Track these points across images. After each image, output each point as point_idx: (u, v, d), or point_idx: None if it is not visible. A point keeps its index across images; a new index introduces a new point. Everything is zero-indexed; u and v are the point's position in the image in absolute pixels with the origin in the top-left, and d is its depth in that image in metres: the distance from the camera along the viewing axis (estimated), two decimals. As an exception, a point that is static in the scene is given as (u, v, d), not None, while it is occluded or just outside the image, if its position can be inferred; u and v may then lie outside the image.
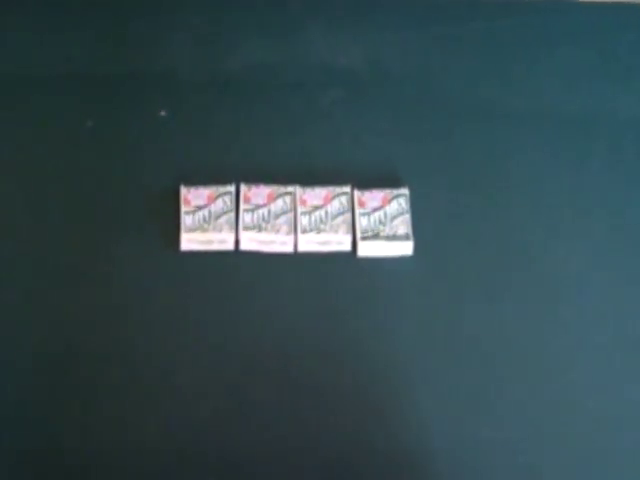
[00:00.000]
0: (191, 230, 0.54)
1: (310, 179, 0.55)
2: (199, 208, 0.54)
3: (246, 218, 0.54)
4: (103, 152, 0.55)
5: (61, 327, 0.53)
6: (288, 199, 0.54)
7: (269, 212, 0.54)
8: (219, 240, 0.54)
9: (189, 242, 0.54)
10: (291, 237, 0.54)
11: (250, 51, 0.55)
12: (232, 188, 0.55)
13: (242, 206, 0.54)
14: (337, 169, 0.55)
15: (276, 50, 0.57)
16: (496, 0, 0.58)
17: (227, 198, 0.55)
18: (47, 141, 0.57)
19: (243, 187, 0.55)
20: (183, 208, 0.54)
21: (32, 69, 0.59)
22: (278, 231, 0.54)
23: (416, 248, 0.52)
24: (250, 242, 0.54)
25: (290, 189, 0.55)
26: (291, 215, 0.54)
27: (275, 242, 0.54)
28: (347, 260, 0.53)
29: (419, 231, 0.53)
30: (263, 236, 0.54)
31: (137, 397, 0.51)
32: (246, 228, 0.54)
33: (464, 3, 0.58)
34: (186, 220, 0.54)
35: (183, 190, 0.54)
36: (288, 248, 0.54)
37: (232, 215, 0.54)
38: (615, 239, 0.51)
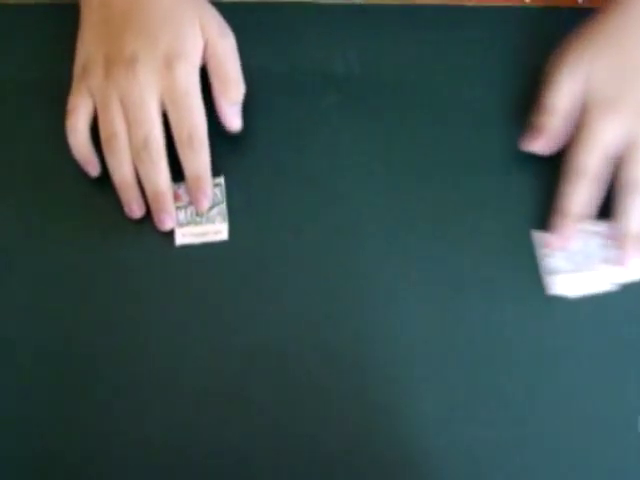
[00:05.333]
0: (184, 224, 0.55)
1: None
2: (190, 202, 0.55)
3: None
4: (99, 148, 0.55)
5: (59, 326, 0.53)
6: None
7: None
8: (213, 231, 0.55)
9: (183, 236, 0.55)
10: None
11: (246, 55, 0.56)
12: (221, 179, 0.56)
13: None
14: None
15: (272, 55, 0.59)
16: (493, 6, 0.61)
17: (217, 190, 0.56)
18: (47, 139, 0.57)
19: None
20: (175, 204, 0.55)
21: (36, 71, 0.59)
22: None
23: (416, 251, 0.54)
24: (244, 231, 0.56)
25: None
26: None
27: (267, 229, 0.56)
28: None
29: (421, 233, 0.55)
30: (256, 224, 0.56)
31: (136, 396, 0.51)
32: None
33: (461, 9, 0.60)
34: (179, 215, 0.55)
35: (173, 186, 0.55)
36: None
37: (223, 206, 0.56)
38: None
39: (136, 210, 0.54)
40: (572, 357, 0.51)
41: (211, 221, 0.55)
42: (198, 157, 0.50)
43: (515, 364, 0.51)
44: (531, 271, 0.53)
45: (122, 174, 0.53)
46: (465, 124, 0.58)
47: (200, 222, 0.55)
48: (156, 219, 0.54)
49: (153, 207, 0.54)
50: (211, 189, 0.54)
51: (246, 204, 0.56)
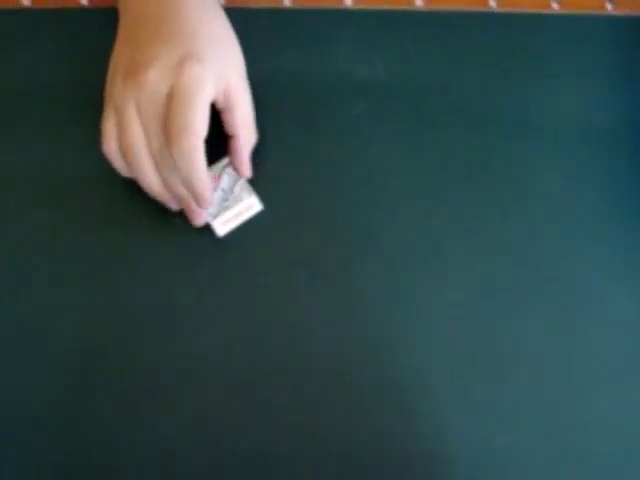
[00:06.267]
0: (217, 215, 0.56)
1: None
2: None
3: None
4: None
5: (99, 325, 0.54)
6: None
7: None
8: (246, 207, 0.57)
9: (222, 225, 0.56)
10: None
11: (274, 62, 0.56)
12: (225, 160, 0.56)
13: None
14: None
15: (300, 62, 0.57)
16: (522, 12, 0.60)
17: (229, 169, 0.57)
18: (64, 142, 0.57)
19: None
20: (199, 200, 0.55)
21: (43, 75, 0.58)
22: None
23: (433, 254, 0.55)
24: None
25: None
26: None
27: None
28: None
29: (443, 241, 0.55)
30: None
31: (162, 396, 0.53)
32: None
33: (488, 15, 0.60)
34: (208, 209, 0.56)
35: (190, 186, 0.55)
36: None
37: (242, 181, 0.57)
38: (621, 244, 0.55)
39: (173, 206, 0.55)
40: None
41: (239, 199, 0.56)
42: (188, 164, 0.49)
43: (537, 370, 0.52)
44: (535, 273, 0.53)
45: (147, 183, 0.52)
46: (494, 131, 0.57)
47: (230, 205, 0.56)
48: (188, 217, 0.55)
49: (183, 207, 0.55)
50: (210, 193, 0.52)
51: (277, 215, 0.57)
